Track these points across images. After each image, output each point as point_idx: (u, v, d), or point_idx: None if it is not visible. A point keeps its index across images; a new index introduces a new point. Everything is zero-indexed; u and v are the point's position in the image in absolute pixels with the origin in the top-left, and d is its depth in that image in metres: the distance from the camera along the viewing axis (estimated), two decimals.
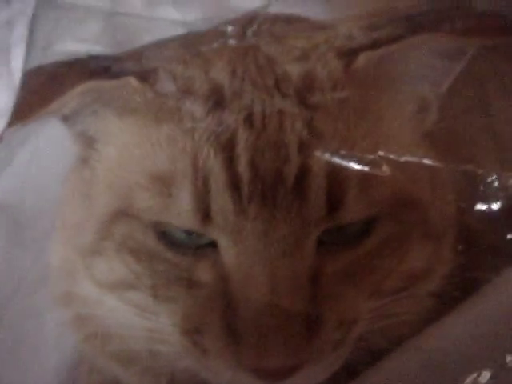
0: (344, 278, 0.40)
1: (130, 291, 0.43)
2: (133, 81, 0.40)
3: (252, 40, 0.43)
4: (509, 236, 0.44)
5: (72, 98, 0.40)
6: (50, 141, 0.50)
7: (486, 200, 0.43)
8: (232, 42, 0.43)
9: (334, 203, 0.38)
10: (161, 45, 0.46)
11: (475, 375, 0.40)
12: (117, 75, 0.40)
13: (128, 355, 0.48)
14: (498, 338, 0.41)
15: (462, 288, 0.45)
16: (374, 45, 0.41)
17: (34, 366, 0.56)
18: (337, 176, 0.38)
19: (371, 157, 0.39)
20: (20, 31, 1.03)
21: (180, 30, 0.60)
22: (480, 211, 0.43)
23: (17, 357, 0.56)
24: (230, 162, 0.38)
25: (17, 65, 0.95)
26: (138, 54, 0.44)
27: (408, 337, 0.44)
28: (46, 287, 0.52)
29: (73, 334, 0.51)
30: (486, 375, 0.40)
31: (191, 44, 0.44)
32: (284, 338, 0.37)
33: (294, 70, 0.40)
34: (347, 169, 0.38)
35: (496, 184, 0.43)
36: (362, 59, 0.41)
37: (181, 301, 0.40)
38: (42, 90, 0.40)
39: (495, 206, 0.43)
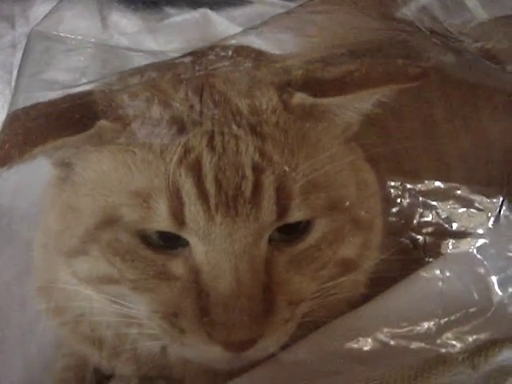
0: (291, 267, 0.49)
1: (110, 285, 0.51)
2: (105, 123, 0.48)
3: (201, 73, 0.51)
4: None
5: (45, 151, 0.47)
6: None
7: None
8: (184, 74, 0.51)
9: (282, 210, 0.47)
10: (127, 79, 0.53)
11: None
12: (89, 125, 0.47)
13: (96, 338, 0.57)
14: None
15: (392, 269, 0.54)
16: (307, 82, 0.50)
17: (19, 352, 0.63)
18: (284, 189, 0.47)
19: (311, 174, 0.48)
20: None
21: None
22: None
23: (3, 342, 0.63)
24: (198, 179, 0.46)
25: None
26: (109, 95, 0.51)
27: (346, 310, 0.53)
28: (29, 280, 0.60)
29: (50, 321, 0.59)
30: None
31: (153, 76, 0.52)
32: (246, 316, 0.46)
33: (244, 106, 0.49)
34: (292, 184, 0.47)
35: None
36: (297, 98, 0.49)
37: (159, 291, 0.49)
38: (18, 141, 0.47)
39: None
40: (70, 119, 0.48)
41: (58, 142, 0.47)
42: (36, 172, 0.59)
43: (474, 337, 0.47)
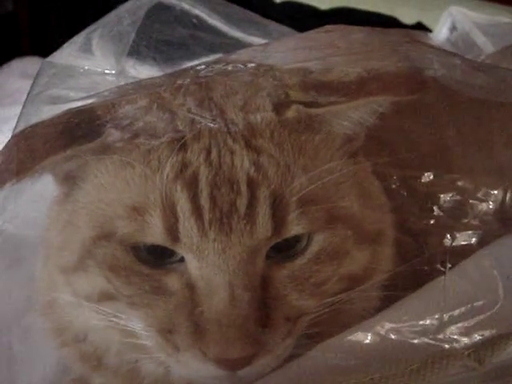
0: (289, 283, 0.48)
1: (107, 302, 0.50)
2: (113, 131, 0.48)
3: (201, 80, 0.51)
4: None
5: (55, 162, 0.48)
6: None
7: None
8: (187, 80, 0.51)
9: (278, 224, 0.47)
10: (130, 96, 0.52)
11: None
12: (98, 133, 0.48)
13: (98, 357, 0.56)
14: None
15: (406, 282, 0.52)
16: (304, 87, 0.50)
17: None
18: (280, 203, 0.47)
19: (308, 187, 0.47)
20: None
21: None
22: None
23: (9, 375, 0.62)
24: (194, 195, 0.46)
25: None
26: (112, 107, 0.51)
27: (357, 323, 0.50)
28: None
29: (53, 340, 0.58)
30: None
31: (155, 89, 0.52)
32: (241, 333, 0.45)
33: (239, 119, 0.49)
34: (288, 197, 0.47)
35: None
36: (292, 110, 0.49)
37: (154, 307, 0.48)
38: (31, 153, 0.48)
39: None
40: (77, 130, 0.48)
41: (67, 152, 0.48)
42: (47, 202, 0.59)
43: (480, 332, 0.45)
